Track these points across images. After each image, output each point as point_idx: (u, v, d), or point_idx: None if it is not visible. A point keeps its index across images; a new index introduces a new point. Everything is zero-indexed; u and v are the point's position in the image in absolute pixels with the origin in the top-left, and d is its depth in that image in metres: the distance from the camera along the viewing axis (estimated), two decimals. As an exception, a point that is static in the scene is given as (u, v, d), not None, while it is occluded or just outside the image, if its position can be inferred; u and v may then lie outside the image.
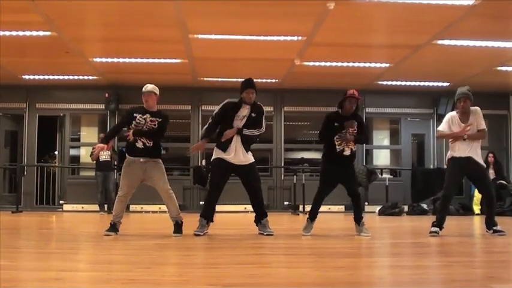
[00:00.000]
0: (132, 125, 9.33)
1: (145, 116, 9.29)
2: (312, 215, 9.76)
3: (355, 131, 9.45)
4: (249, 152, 9.81)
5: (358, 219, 9.55)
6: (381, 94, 20.28)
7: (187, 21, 12.92)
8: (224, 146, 9.59)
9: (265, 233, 9.47)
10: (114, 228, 9.28)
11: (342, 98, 9.67)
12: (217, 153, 9.78)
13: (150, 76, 17.86)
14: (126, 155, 9.50)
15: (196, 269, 5.86)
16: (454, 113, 10.09)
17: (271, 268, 6.00)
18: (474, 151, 9.78)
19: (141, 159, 9.25)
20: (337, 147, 9.46)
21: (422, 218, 16.24)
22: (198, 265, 6.23)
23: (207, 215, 9.62)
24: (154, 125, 9.30)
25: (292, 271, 5.76)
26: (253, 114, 9.76)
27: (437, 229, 9.59)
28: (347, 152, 9.44)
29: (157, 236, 9.20)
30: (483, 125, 9.78)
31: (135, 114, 9.37)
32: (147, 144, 9.26)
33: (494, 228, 9.62)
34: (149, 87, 9.49)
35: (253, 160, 9.89)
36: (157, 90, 9.52)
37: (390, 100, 20.44)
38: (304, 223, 9.83)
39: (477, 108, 9.93)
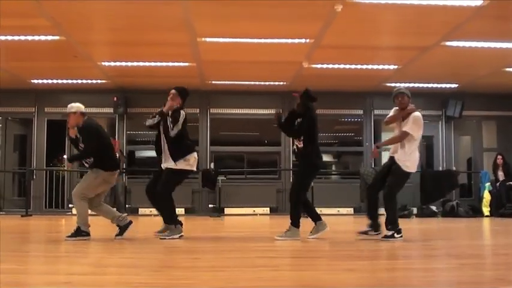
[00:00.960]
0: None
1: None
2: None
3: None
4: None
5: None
6: (389, 96, 20.07)
7: (195, 24, 12.93)
8: None
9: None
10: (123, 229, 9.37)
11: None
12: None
13: (158, 79, 17.93)
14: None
15: (204, 272, 5.86)
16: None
17: (280, 271, 5.99)
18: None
19: None
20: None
21: (432, 220, 16.22)
22: (206, 268, 6.22)
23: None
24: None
25: (302, 274, 5.76)
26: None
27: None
28: (294, 147, 9.69)
29: (165, 239, 9.20)
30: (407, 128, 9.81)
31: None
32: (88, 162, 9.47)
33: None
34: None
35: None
36: (75, 109, 9.68)
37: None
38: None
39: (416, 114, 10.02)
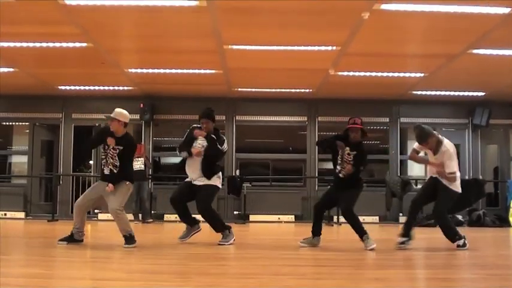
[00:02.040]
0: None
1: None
2: (313, 229, 9.95)
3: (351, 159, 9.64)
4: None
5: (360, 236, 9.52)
6: (416, 104, 20.16)
7: (222, 32, 12.94)
8: None
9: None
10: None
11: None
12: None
13: (185, 86, 17.97)
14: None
15: (231, 279, 5.87)
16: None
17: (307, 279, 5.99)
18: None
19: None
20: (337, 165, 9.81)
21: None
22: (233, 275, 6.23)
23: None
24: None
25: (328, 282, 5.75)
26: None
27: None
28: (342, 175, 9.64)
29: (191, 245, 9.22)
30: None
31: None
32: (112, 169, 9.41)
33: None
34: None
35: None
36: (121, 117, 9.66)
37: (425, 110, 20.26)
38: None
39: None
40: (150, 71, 16.32)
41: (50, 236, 11.68)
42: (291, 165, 21.75)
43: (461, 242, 9.48)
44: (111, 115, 9.43)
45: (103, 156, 9.43)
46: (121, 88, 18.64)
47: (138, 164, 17.36)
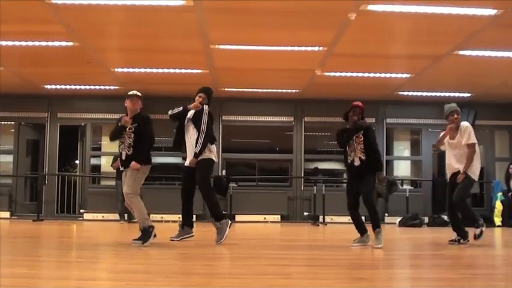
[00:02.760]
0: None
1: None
2: (357, 229, 9.80)
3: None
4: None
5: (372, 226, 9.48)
6: (402, 105, 20.22)
7: (208, 31, 12.95)
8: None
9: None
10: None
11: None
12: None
13: (171, 86, 17.97)
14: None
15: (217, 279, 5.87)
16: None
17: (292, 279, 5.99)
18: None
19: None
20: (348, 157, 9.68)
21: (443, 230, 16.16)
22: (219, 275, 6.23)
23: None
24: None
25: (313, 282, 5.75)
26: None
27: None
28: (357, 162, 9.53)
29: (178, 245, 9.20)
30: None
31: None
32: (128, 153, 9.38)
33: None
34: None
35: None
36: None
37: (411, 111, 20.34)
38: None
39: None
40: (137, 70, 16.32)
41: (36, 236, 11.63)
42: (277, 165, 21.78)
43: (478, 231, 9.80)
44: (130, 93, 9.75)
45: (120, 143, 9.47)
46: (107, 87, 18.63)
47: (125, 164, 17.30)
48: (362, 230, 9.69)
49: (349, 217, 9.89)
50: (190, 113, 10.06)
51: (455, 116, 10.46)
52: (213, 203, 9.92)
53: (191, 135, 9.96)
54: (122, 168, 9.53)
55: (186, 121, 10.06)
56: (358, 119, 9.72)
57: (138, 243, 8.83)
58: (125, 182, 9.26)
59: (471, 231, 9.90)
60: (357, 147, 9.53)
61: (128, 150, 9.28)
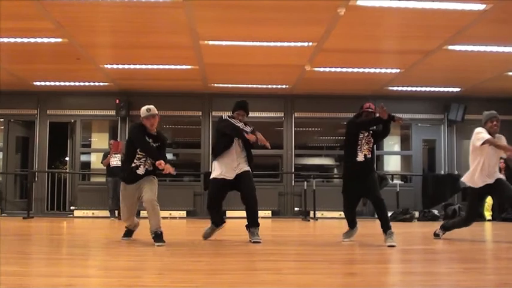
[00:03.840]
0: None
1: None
2: (348, 223, 9.78)
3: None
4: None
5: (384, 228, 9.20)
6: (392, 100, 20.21)
7: (197, 27, 12.93)
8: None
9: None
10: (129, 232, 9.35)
11: (358, 110, 9.93)
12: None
13: (161, 82, 17.94)
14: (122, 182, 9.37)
15: (206, 275, 5.86)
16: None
17: (282, 274, 5.99)
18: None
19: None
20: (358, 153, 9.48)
21: (434, 224, 16.19)
22: (208, 271, 6.22)
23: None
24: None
25: (303, 277, 5.75)
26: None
27: None
28: (360, 158, 9.39)
29: (168, 242, 9.19)
30: None
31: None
32: (148, 168, 9.18)
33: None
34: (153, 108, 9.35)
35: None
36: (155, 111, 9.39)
37: (401, 106, 20.34)
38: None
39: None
40: (126, 66, 16.28)
41: (26, 233, 11.61)
42: (267, 160, 21.74)
43: None
44: (150, 112, 9.16)
45: (141, 157, 9.16)
46: (97, 84, 18.59)
47: (115, 161, 17.36)
48: (353, 225, 9.70)
49: (340, 212, 9.84)
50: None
51: (495, 123, 10.08)
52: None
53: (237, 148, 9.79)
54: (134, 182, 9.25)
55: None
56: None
57: (162, 244, 8.70)
58: (148, 189, 8.99)
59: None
60: (364, 145, 9.45)
61: (149, 167, 9.13)
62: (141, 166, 9.09)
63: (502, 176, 9.75)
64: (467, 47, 14.20)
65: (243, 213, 9.54)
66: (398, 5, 11.48)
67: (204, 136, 20.20)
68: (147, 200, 8.87)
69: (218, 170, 9.67)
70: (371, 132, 9.63)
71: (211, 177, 9.82)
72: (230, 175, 9.55)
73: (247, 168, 9.70)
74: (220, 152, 9.66)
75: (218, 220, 9.93)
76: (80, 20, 12.49)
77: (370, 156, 9.42)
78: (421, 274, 6.06)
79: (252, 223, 9.45)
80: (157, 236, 8.80)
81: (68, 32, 13.30)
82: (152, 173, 9.16)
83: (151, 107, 9.22)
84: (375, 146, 9.73)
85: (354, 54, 15.11)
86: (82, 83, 18.72)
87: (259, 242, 9.12)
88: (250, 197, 9.51)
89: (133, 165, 9.08)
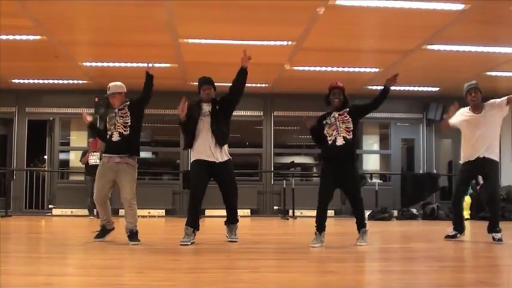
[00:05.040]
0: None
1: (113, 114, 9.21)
2: (318, 226, 8.73)
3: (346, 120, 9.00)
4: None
5: (358, 226, 8.85)
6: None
7: (177, 25, 12.92)
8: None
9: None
10: (104, 232, 9.25)
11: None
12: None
13: (140, 80, 17.79)
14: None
15: (185, 274, 5.86)
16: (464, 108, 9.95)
17: (260, 273, 6.00)
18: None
19: (116, 159, 8.92)
20: (328, 138, 8.88)
21: (412, 223, 16.28)
22: (187, 270, 6.22)
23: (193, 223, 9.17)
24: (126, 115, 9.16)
25: (282, 276, 5.77)
26: (217, 107, 9.45)
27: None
28: (339, 142, 8.77)
29: (146, 241, 9.17)
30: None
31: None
32: (124, 133, 8.98)
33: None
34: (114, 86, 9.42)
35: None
36: (124, 89, 9.49)
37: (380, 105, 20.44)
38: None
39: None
40: (105, 64, 16.24)
41: (4, 232, 11.52)
42: (246, 159, 21.77)
43: (499, 235, 9.27)
44: (110, 92, 9.28)
45: (110, 127, 9.17)
46: (76, 82, 18.53)
47: (94, 159, 17.32)
48: (323, 227, 8.76)
49: (311, 210, 9.40)
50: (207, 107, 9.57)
51: (473, 94, 9.83)
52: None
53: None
54: (107, 155, 9.08)
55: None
56: (340, 100, 9.10)
57: (136, 243, 8.65)
58: (127, 186, 8.79)
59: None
60: (341, 126, 8.87)
61: (125, 130, 9.01)
62: (114, 133, 9.02)
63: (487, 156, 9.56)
64: (446, 46, 14.28)
65: (222, 212, 9.53)
66: (378, 5, 11.52)
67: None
68: (124, 199, 8.78)
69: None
70: (347, 109, 9.09)
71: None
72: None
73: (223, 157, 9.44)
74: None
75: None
76: (59, 17, 12.44)
77: (351, 137, 8.87)
78: (399, 272, 6.09)
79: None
80: (132, 235, 8.75)
81: (46, 29, 13.24)
82: (129, 141, 9.00)
83: (111, 85, 9.50)
84: (356, 128, 9.12)
85: (333, 53, 15.15)
86: (61, 81, 18.64)
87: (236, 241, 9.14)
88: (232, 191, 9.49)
89: (107, 136, 9.10)
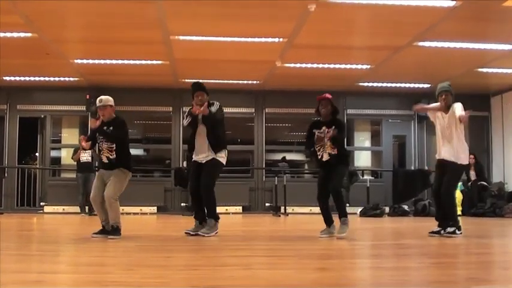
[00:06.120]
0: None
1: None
2: (324, 220, 9.53)
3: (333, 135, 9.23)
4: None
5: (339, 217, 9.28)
6: (362, 96, 20.35)
7: (168, 22, 12.90)
8: None
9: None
10: (103, 232, 9.26)
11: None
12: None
13: (131, 77, 17.86)
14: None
15: (176, 271, 5.85)
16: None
17: (253, 270, 5.99)
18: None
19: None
20: (317, 153, 9.37)
21: (404, 219, 16.29)
22: (178, 267, 6.22)
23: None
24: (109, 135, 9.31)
25: (274, 273, 5.76)
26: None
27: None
28: (325, 157, 9.26)
29: (138, 237, 9.16)
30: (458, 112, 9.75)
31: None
32: (110, 157, 9.20)
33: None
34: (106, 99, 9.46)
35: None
36: (111, 102, 9.48)
37: (371, 102, 20.49)
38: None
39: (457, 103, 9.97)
40: (96, 61, 16.22)
41: (-6, 229, 11.50)
42: (238, 156, 21.77)
43: (452, 229, 9.50)
44: (101, 104, 9.28)
45: (100, 148, 9.36)
46: (67, 79, 18.49)
47: (85, 156, 17.33)
48: (329, 221, 9.49)
49: (311, 208, 9.80)
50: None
51: (443, 96, 10.13)
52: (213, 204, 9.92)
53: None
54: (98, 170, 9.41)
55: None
56: (327, 110, 9.39)
57: (117, 238, 8.76)
58: (112, 185, 9.06)
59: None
60: (327, 143, 9.24)
61: (111, 154, 9.19)
62: (103, 156, 9.25)
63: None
64: (437, 43, 14.31)
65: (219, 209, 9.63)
66: (369, 2, 11.54)
67: (175, 132, 20.16)
68: (106, 195, 9.01)
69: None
70: (333, 127, 9.30)
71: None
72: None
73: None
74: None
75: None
76: (50, 14, 12.41)
77: (335, 152, 9.24)
78: (391, 269, 6.09)
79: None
80: (114, 230, 8.99)
81: (37, 26, 13.21)
82: (119, 164, 9.18)
83: (103, 98, 9.43)
84: (345, 139, 9.58)
85: (324, 50, 15.16)
86: (52, 78, 18.60)
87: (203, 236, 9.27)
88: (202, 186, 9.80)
89: (101, 155, 9.32)
